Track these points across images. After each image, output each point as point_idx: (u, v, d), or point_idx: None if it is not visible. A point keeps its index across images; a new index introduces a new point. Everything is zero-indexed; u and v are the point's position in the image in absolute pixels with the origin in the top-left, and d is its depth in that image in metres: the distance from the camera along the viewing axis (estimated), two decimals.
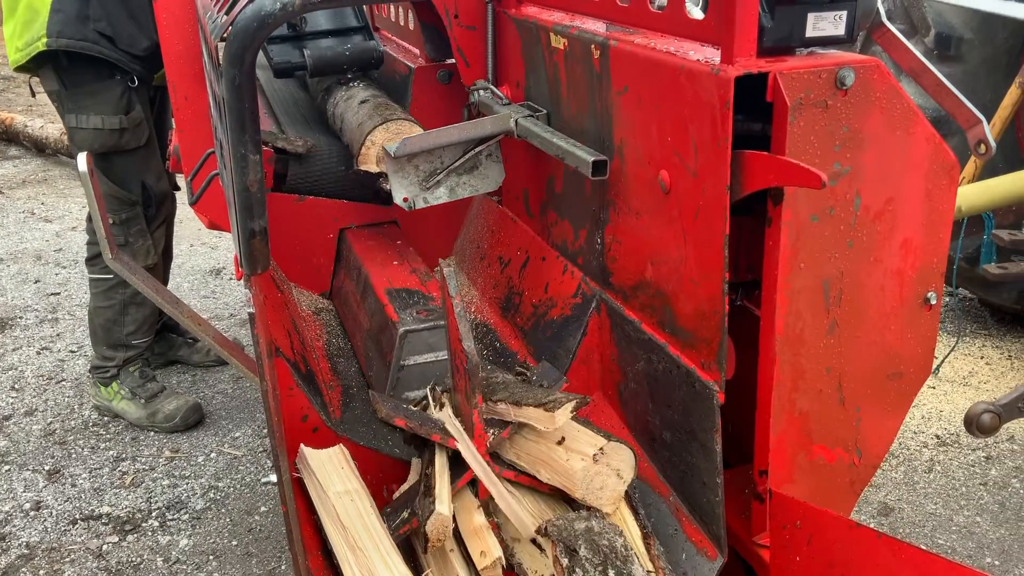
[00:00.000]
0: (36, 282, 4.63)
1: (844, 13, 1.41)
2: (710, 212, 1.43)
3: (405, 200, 2.04)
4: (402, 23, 2.76)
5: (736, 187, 1.38)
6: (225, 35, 0.93)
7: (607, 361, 1.91)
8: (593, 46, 1.73)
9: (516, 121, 1.99)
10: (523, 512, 1.57)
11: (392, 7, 2.84)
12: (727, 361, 1.49)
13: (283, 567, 2.57)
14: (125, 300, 3.19)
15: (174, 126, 2.37)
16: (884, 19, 1.48)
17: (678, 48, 1.52)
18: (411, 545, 1.66)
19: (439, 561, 1.61)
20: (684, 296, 1.56)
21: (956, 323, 3.80)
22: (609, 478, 1.53)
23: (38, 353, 3.87)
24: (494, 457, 1.63)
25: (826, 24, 1.41)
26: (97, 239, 3.06)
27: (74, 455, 3.14)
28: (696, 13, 1.46)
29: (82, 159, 1.58)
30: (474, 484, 1.66)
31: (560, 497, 1.66)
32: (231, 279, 4.70)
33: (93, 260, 3.19)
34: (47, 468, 3.06)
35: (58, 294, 4.48)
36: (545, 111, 2.03)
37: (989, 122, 3.12)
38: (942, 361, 3.52)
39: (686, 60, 1.44)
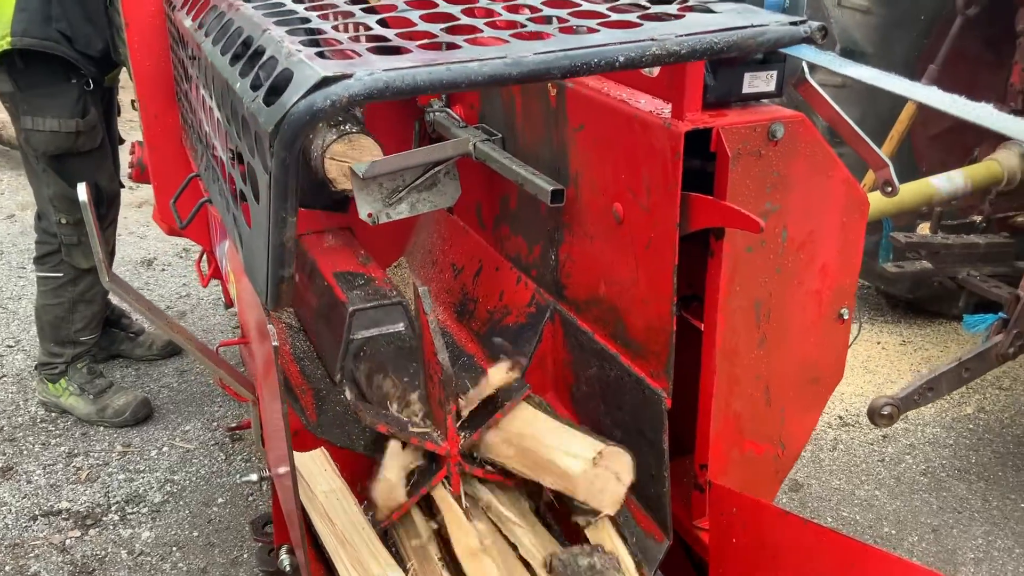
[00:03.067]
0: None
1: (775, 72, 1.64)
2: (661, 244, 1.64)
3: (370, 215, 2.19)
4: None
5: (684, 224, 1.59)
6: (271, 122, 1.08)
7: (560, 365, 2.12)
8: (550, 85, 1.92)
9: (475, 145, 2.16)
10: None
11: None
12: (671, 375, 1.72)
13: (245, 555, 2.72)
14: (74, 298, 3.25)
15: (142, 140, 2.46)
16: (807, 76, 1.72)
17: (630, 96, 1.72)
18: (393, 539, 1.84)
19: (419, 554, 1.80)
20: (635, 313, 1.78)
21: (857, 313, 4.14)
22: (609, 481, 1.71)
23: None
24: (467, 457, 1.83)
25: (759, 82, 1.63)
26: (54, 237, 3.14)
27: (25, 451, 3.19)
28: (651, 71, 1.66)
29: (82, 189, 1.68)
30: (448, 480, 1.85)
31: (526, 489, 1.87)
32: (163, 269, 4.73)
33: (42, 259, 3.23)
34: (0, 465, 3.11)
35: None
36: (500, 135, 2.22)
37: (888, 135, 3.45)
38: None
39: (639, 110, 1.64)
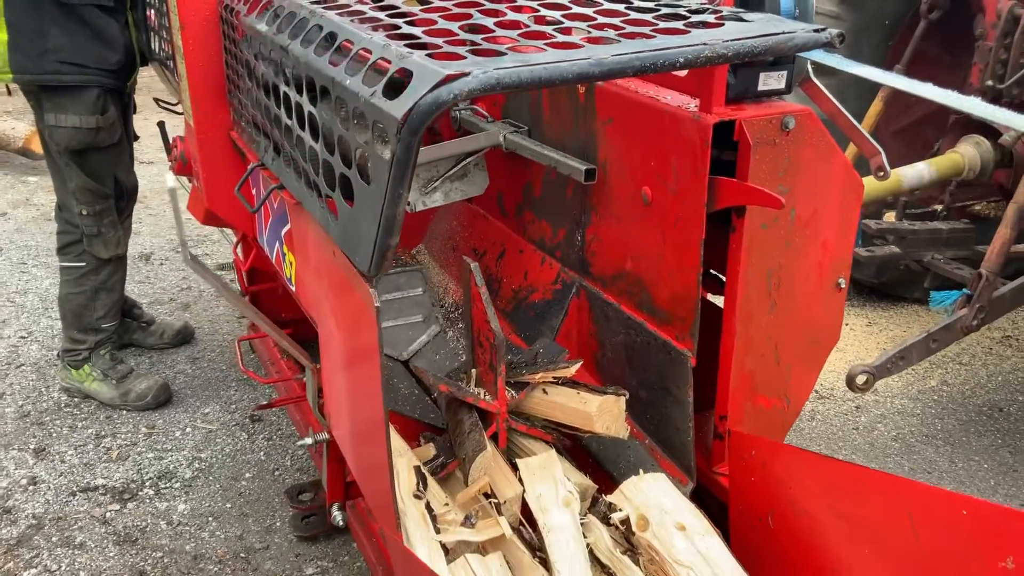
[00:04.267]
0: None
1: (784, 72, 1.89)
2: (688, 221, 1.88)
3: (409, 203, 2.40)
4: None
5: (711, 203, 1.84)
6: (400, 117, 1.30)
7: (585, 336, 2.35)
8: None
9: (504, 136, 2.39)
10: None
11: None
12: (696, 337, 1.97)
13: (278, 523, 2.90)
14: (96, 286, 3.39)
15: (183, 135, 2.64)
16: (811, 76, 1.98)
17: (656, 92, 1.97)
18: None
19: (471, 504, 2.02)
20: (662, 284, 2.02)
21: None
22: (614, 418, 2.00)
23: None
24: (514, 414, 2.05)
25: (772, 81, 1.88)
26: (76, 228, 3.28)
27: (55, 434, 3.34)
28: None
29: (170, 177, 1.87)
30: (494, 437, 2.08)
31: (551, 445, 2.11)
32: (162, 264, 4.87)
33: (64, 249, 3.37)
34: (32, 447, 3.26)
35: None
36: (526, 128, 2.45)
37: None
38: None
39: (668, 105, 1.89)
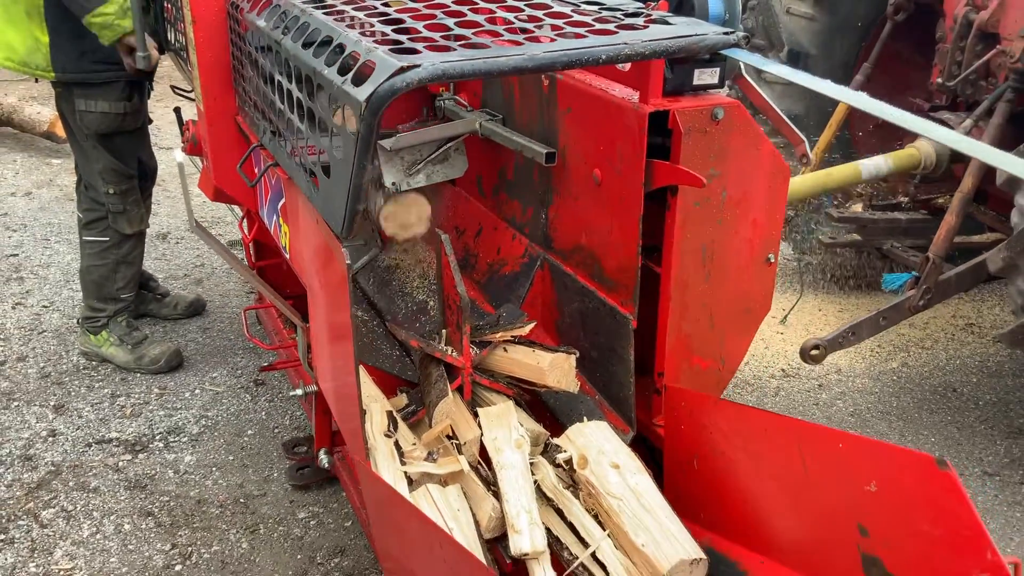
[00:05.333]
0: None
1: (717, 69, 2.14)
2: (630, 200, 2.13)
3: (393, 184, 2.67)
4: None
5: (648, 183, 2.09)
6: (364, 98, 1.56)
7: (548, 304, 2.61)
8: (544, 76, 2.41)
9: (481, 124, 2.65)
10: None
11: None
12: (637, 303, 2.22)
13: (275, 474, 3.19)
14: (117, 259, 3.69)
15: (196, 119, 2.91)
16: (743, 72, 2.23)
17: (607, 85, 2.22)
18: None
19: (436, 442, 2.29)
20: (610, 256, 2.27)
21: (801, 282, 4.68)
22: (566, 373, 2.26)
23: (13, 308, 4.29)
24: (479, 369, 2.32)
25: (706, 76, 2.13)
26: (101, 205, 3.56)
27: (73, 393, 3.64)
28: (623, 65, 2.15)
29: (179, 153, 2.14)
30: (460, 389, 2.35)
31: (511, 399, 2.38)
32: (177, 242, 5.17)
33: (89, 224, 3.67)
34: (52, 403, 3.56)
35: (16, 255, 4.86)
36: (501, 117, 2.70)
37: (827, 123, 3.97)
38: (788, 313, 4.40)
39: (614, 96, 2.14)
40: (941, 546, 1.57)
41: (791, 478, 1.83)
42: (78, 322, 3.89)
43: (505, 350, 2.35)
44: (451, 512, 2.00)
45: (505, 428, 2.22)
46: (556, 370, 2.27)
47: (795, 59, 4.19)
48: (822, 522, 1.77)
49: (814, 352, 3.18)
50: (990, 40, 3.51)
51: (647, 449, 2.38)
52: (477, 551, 1.93)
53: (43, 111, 6.46)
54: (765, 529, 1.91)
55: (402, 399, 2.41)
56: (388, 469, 2.05)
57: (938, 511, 1.56)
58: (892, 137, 4.38)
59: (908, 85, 4.21)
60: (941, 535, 1.56)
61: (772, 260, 2.30)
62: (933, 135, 1.61)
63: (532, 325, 2.32)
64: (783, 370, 3.98)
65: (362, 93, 1.56)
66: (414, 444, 2.20)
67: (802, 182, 3.51)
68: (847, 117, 3.97)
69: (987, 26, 3.48)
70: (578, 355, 2.31)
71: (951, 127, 3.60)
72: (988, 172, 3.22)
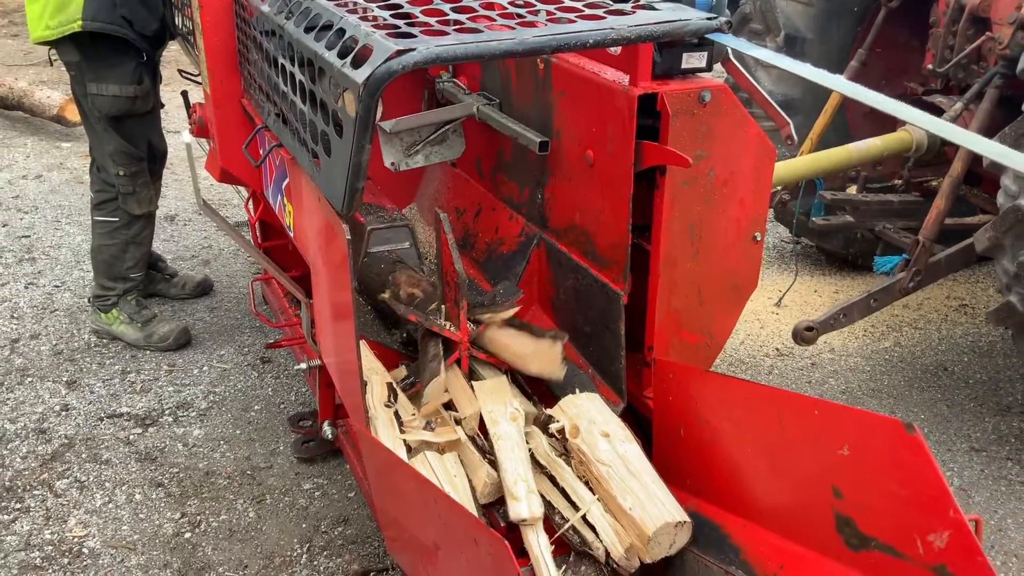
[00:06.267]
0: (3, 226, 5.08)
1: (705, 53, 2.21)
2: (620, 179, 2.22)
3: (392, 164, 2.75)
4: None
5: (638, 163, 2.17)
6: (361, 80, 1.65)
7: (543, 282, 2.70)
8: (539, 60, 2.49)
9: (478, 108, 2.73)
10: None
11: None
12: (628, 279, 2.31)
13: (281, 447, 3.29)
14: (127, 240, 3.79)
15: (203, 101, 3.00)
16: (731, 56, 2.30)
17: (599, 69, 2.30)
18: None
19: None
20: (602, 234, 2.36)
21: (796, 265, 4.76)
22: (551, 360, 2.35)
23: (26, 287, 4.39)
24: (475, 343, 2.41)
25: (694, 60, 2.20)
26: (111, 187, 3.65)
27: (85, 369, 3.74)
28: (614, 49, 2.23)
29: (186, 134, 2.23)
30: (458, 362, 2.44)
31: (508, 373, 2.47)
32: (185, 224, 5.27)
33: (100, 205, 3.76)
34: (65, 379, 3.66)
35: (28, 236, 4.96)
36: (498, 100, 2.79)
37: (823, 108, 4.03)
38: (784, 294, 4.48)
39: (605, 80, 2.22)
40: (908, 506, 1.66)
41: (771, 444, 1.92)
42: (89, 301, 3.99)
43: (498, 330, 2.44)
44: (447, 477, 2.10)
45: (501, 402, 2.31)
46: (541, 358, 2.35)
47: (792, 44, 4.25)
48: (799, 485, 1.87)
49: (806, 333, 3.26)
50: (981, 25, 3.57)
51: (637, 420, 2.48)
52: (472, 512, 2.02)
53: (53, 95, 6.55)
54: (747, 493, 2.01)
55: (402, 371, 2.50)
56: (388, 437, 2.14)
57: (906, 473, 1.65)
58: (887, 121, 4.43)
59: (903, 70, 4.27)
60: (908, 495, 1.65)
61: (759, 238, 2.38)
62: (916, 122, 1.69)
63: (516, 308, 2.40)
64: (777, 349, 4.06)
65: (360, 75, 1.64)
66: (413, 415, 2.29)
67: (795, 165, 3.59)
68: (843, 101, 4.03)
69: (978, 11, 3.54)
70: (567, 338, 2.39)
71: (943, 111, 3.67)
72: (977, 155, 3.29)
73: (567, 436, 2.21)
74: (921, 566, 1.64)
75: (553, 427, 2.24)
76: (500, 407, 2.31)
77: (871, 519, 1.73)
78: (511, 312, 2.41)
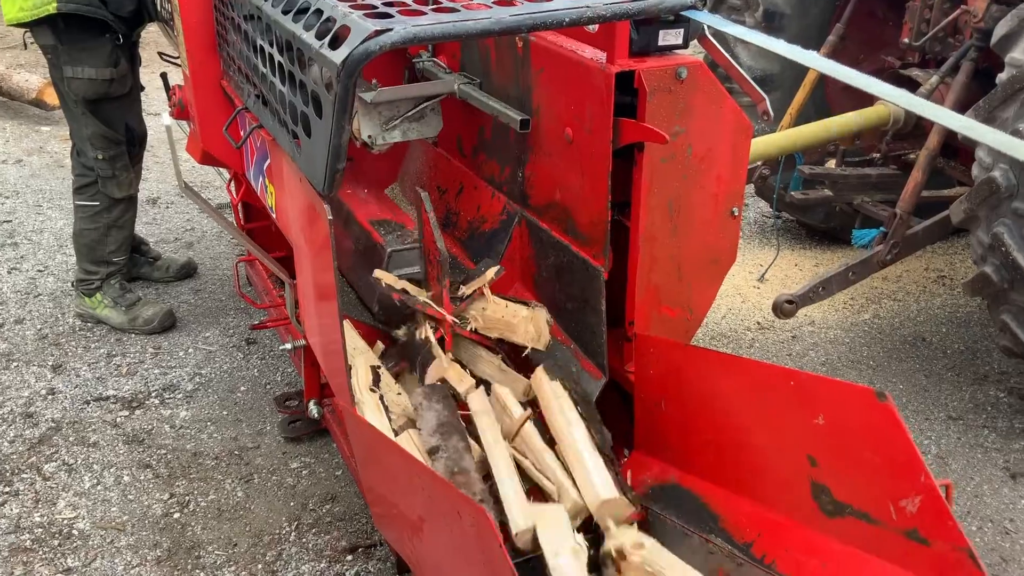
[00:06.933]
0: None
1: (681, 30, 2.23)
2: (599, 157, 2.24)
3: (370, 137, 2.75)
4: None
5: (616, 140, 2.19)
6: (340, 60, 1.66)
7: (525, 259, 2.72)
8: (518, 38, 2.50)
9: (458, 86, 2.74)
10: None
11: None
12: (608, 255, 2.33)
13: (268, 427, 3.32)
14: (108, 223, 3.78)
15: (182, 83, 3.00)
16: (707, 32, 2.32)
17: (577, 47, 2.31)
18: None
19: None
20: (582, 211, 2.38)
21: (778, 239, 4.81)
22: (537, 329, 2.37)
23: (9, 272, 4.39)
24: (461, 319, 2.44)
25: (670, 37, 2.22)
26: (91, 171, 3.64)
27: (70, 353, 3.75)
28: (591, 27, 2.24)
29: (166, 116, 2.23)
30: (442, 340, 2.47)
31: (492, 351, 2.49)
32: (167, 207, 5.26)
33: (81, 189, 3.75)
34: (50, 363, 3.67)
35: (10, 221, 4.94)
36: (478, 80, 2.79)
37: (800, 84, 4.06)
38: (766, 269, 4.52)
39: (584, 57, 2.23)
40: (881, 472, 1.70)
41: (748, 415, 1.96)
42: (73, 285, 3.99)
43: (483, 306, 2.47)
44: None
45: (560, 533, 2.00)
46: (529, 325, 2.38)
47: (770, 19, 4.26)
48: (776, 455, 1.91)
49: (786, 306, 3.30)
50: None
51: (619, 394, 2.51)
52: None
53: (31, 78, 6.50)
54: (725, 464, 2.05)
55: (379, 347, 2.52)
56: (374, 422, 2.17)
57: (878, 440, 1.69)
58: (865, 95, 4.46)
59: (881, 44, 4.29)
60: (881, 462, 1.70)
61: (736, 213, 2.41)
62: (887, 97, 1.71)
63: (498, 271, 2.43)
64: (758, 323, 4.11)
65: (338, 56, 1.66)
66: (400, 394, 2.32)
67: (773, 140, 3.61)
68: (821, 76, 4.05)
69: None
70: (544, 308, 2.42)
71: (920, 84, 3.70)
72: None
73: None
74: (894, 531, 1.68)
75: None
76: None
77: (846, 486, 1.77)
78: (492, 276, 2.43)
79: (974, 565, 1.55)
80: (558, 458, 2.15)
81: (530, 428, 2.21)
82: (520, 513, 1.95)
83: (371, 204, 3.07)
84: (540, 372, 2.30)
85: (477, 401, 2.29)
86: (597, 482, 2.02)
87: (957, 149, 3.87)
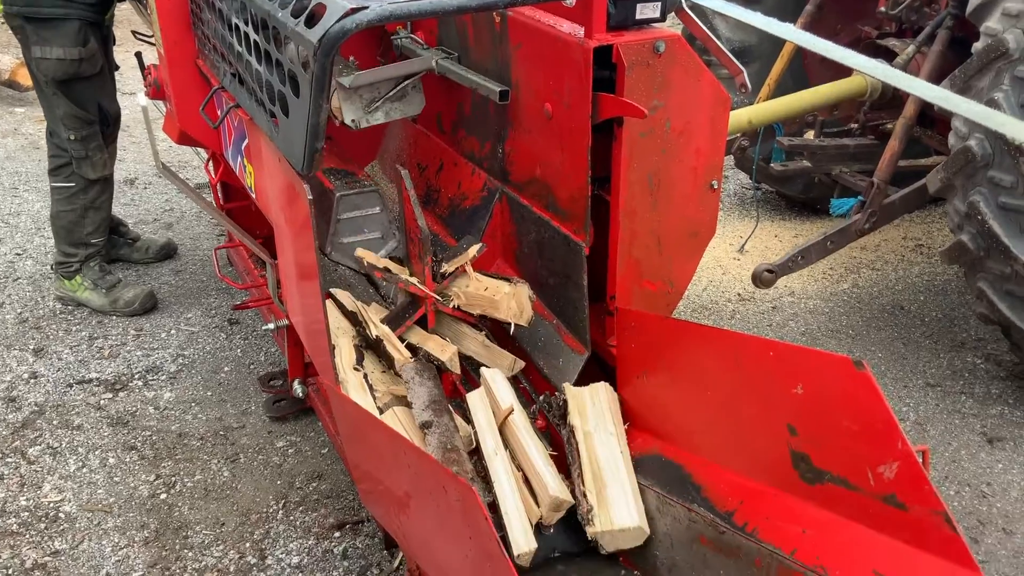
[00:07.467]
0: None
1: (659, 3, 2.23)
2: (579, 132, 2.24)
3: (353, 121, 2.75)
4: None
5: (595, 115, 2.20)
6: (316, 39, 1.65)
7: (507, 236, 2.73)
8: (496, 14, 2.49)
9: (436, 61, 2.73)
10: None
11: None
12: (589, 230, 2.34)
13: (252, 407, 3.32)
14: (85, 204, 3.75)
15: (158, 63, 2.97)
16: (684, 5, 2.32)
17: (555, 22, 2.31)
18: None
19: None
20: (562, 187, 2.39)
21: (757, 210, 4.83)
22: (519, 305, 2.38)
23: None
24: (443, 297, 2.45)
25: (648, 11, 2.22)
26: (65, 152, 3.61)
27: (52, 337, 3.73)
28: (569, 1, 2.24)
29: (142, 96, 2.22)
30: (423, 318, 2.48)
31: (475, 327, 2.51)
32: (146, 188, 5.22)
33: (56, 171, 3.72)
34: (32, 347, 3.65)
35: None
36: (456, 54, 2.78)
37: (778, 55, 4.06)
38: (746, 241, 4.55)
39: (561, 32, 2.23)
40: (859, 440, 1.73)
41: (729, 386, 1.99)
42: (52, 268, 3.96)
43: (466, 283, 2.47)
44: (415, 430, 2.15)
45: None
46: (511, 301, 2.39)
47: None
48: (756, 424, 1.93)
49: (766, 276, 3.33)
50: None
51: (602, 368, 2.54)
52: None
53: (3, 59, 6.40)
54: (707, 434, 2.07)
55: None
56: (359, 400, 2.18)
57: (856, 408, 1.72)
58: (843, 66, 4.48)
59: (858, 13, 4.29)
60: (859, 430, 1.72)
61: (716, 186, 2.42)
62: (861, 68, 1.73)
63: (479, 248, 2.44)
64: (739, 295, 4.14)
65: (314, 35, 1.65)
66: (384, 371, 2.33)
67: (752, 112, 3.63)
68: (799, 47, 4.06)
69: None
70: (526, 284, 2.43)
71: (896, 54, 3.71)
72: None
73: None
74: (872, 496, 1.72)
75: None
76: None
77: (825, 454, 1.80)
78: (474, 253, 2.44)
79: (950, 528, 1.58)
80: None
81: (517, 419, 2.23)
82: (522, 534, 1.97)
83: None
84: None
85: (479, 406, 2.30)
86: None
87: (934, 119, 3.89)
